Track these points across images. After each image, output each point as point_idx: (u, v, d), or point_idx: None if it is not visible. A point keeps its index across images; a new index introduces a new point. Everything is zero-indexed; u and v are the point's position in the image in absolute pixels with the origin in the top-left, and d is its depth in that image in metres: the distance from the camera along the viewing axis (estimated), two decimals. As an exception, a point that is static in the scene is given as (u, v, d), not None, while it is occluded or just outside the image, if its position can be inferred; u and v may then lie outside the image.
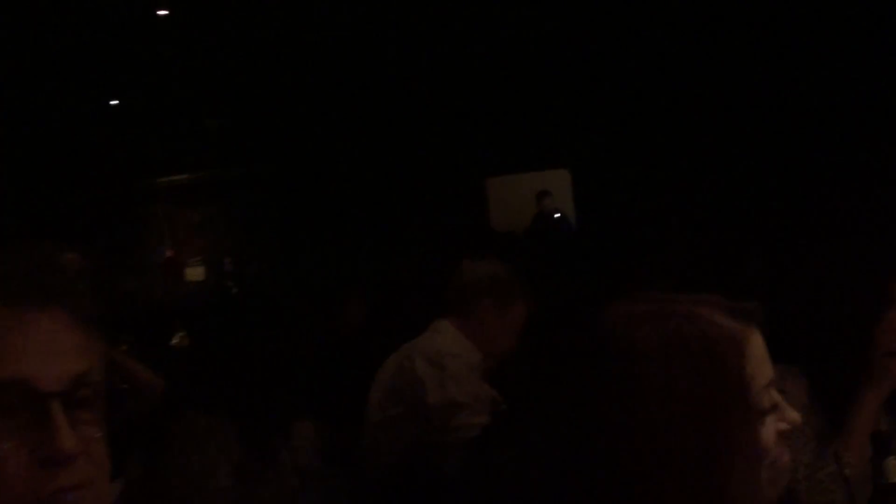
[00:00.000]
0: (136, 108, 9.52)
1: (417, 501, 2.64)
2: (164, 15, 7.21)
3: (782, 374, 1.19)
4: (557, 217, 9.37)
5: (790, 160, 7.24)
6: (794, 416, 1.10)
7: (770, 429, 1.07)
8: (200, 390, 2.73)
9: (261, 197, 10.23)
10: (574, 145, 8.85)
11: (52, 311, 1.00)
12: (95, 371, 1.02)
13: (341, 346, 4.58)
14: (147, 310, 8.60)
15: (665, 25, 7.51)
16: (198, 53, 8.09)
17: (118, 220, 10.43)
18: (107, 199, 9.98)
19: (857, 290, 2.08)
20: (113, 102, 9.48)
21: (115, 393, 3.43)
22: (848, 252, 2.23)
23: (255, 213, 10.35)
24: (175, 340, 6.70)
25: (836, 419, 2.03)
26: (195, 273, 10.97)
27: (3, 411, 0.95)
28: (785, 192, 7.10)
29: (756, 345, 1.08)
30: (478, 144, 8.90)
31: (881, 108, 6.71)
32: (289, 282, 8.79)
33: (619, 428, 1.05)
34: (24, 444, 0.95)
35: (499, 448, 2.42)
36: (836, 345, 2.05)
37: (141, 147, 10.11)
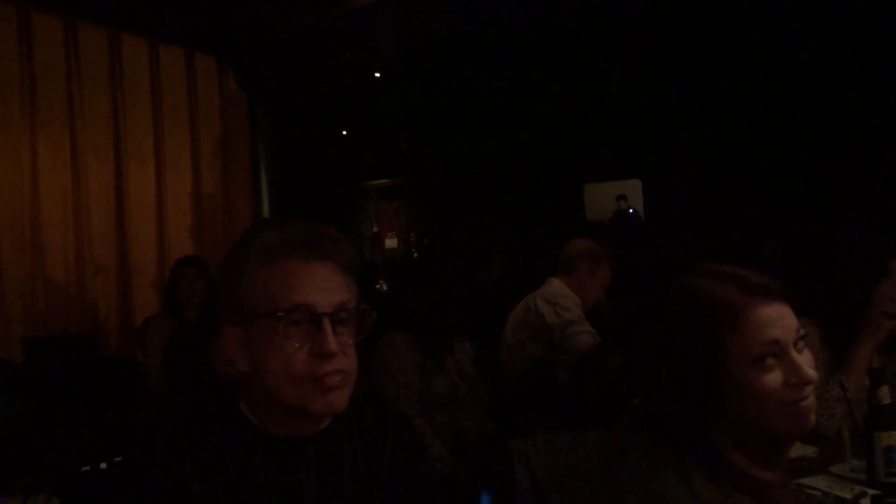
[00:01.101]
0: (358, 136, 9.79)
1: (538, 399, 2.63)
2: (378, 77, 7.36)
3: (802, 324, 1.11)
4: (631, 213, 9.09)
5: (805, 165, 6.79)
6: (807, 374, 0.97)
7: (775, 377, 0.96)
8: (397, 318, 2.75)
9: (433, 193, 10.34)
10: (644, 162, 8.58)
11: (326, 263, 1.04)
12: (351, 302, 1.05)
13: (487, 292, 4.60)
14: (361, 266, 8.88)
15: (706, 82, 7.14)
16: (397, 101, 8.23)
17: (345, 208, 10.77)
18: (338, 195, 10.32)
19: (859, 265, 1.93)
20: (344, 133, 9.77)
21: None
22: (853, 237, 2.06)
23: (429, 203, 10.47)
24: (377, 286, 6.86)
25: (840, 357, 1.90)
26: (391, 243, 11.18)
27: (295, 323, 1.00)
28: (804, 191, 6.67)
29: (760, 311, 0.97)
30: (578, 161, 8.74)
31: (876, 115, 6.21)
32: (452, 250, 8.89)
33: (653, 354, 1.03)
34: (305, 344, 1.00)
35: (596, 365, 2.39)
36: (843, 304, 1.91)
37: (360, 161, 10.38)
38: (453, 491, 2.26)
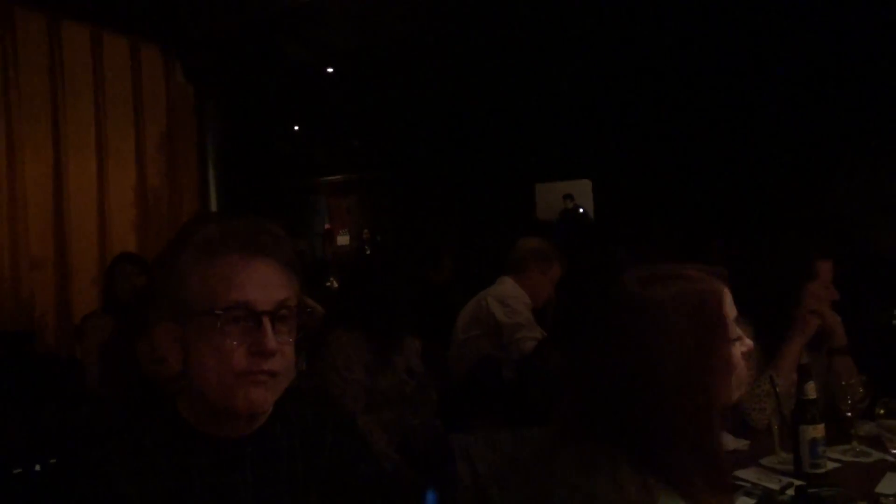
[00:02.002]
0: (310, 132, 9.67)
1: (484, 394, 2.64)
2: (331, 72, 7.29)
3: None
4: (581, 212, 9.22)
5: (746, 176, 7.07)
6: (750, 342, 1.09)
7: (737, 350, 1.06)
8: (345, 315, 2.72)
9: (386, 190, 10.31)
10: (594, 163, 8.75)
11: (267, 259, 1.02)
12: (291, 299, 1.03)
13: (437, 289, 4.59)
14: (312, 263, 8.79)
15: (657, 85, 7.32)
16: (350, 97, 8.17)
17: (296, 204, 10.62)
18: (290, 191, 10.17)
19: (790, 268, 2.01)
20: (296, 128, 9.64)
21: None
22: (784, 240, 2.14)
23: (382, 200, 10.43)
24: (328, 283, 6.76)
25: (770, 354, 1.97)
26: (343, 239, 11.09)
27: (234, 321, 0.97)
28: (743, 197, 6.94)
29: (727, 293, 1.06)
30: (530, 161, 8.85)
31: (812, 123, 6.52)
32: (404, 246, 8.86)
33: (639, 348, 1.01)
34: (244, 341, 0.98)
35: (539, 362, 2.41)
36: (774, 303, 1.98)
37: (312, 158, 10.26)
38: (398, 489, 2.25)
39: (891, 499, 1.46)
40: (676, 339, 0.99)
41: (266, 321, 0.98)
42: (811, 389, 1.59)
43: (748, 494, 1.55)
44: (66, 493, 1.00)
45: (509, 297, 3.09)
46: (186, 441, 1.01)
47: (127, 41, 5.13)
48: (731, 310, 1.06)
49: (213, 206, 5.71)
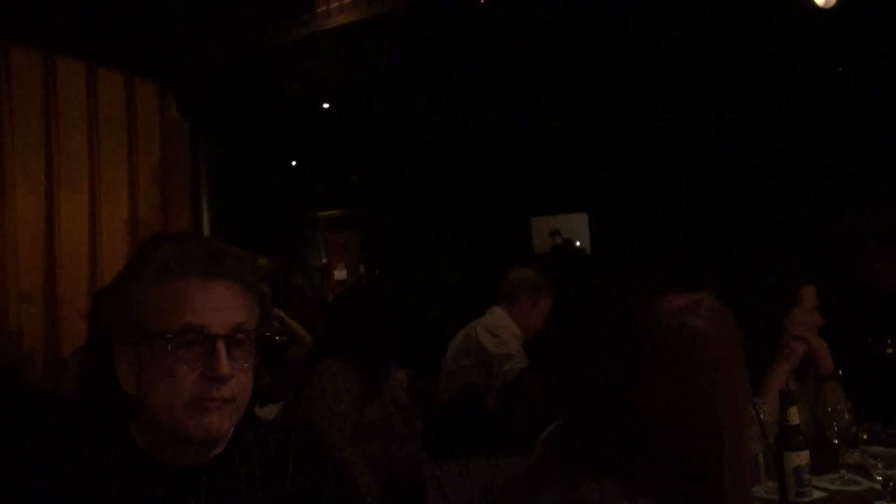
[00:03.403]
0: (307, 168, 9.73)
1: (467, 424, 2.60)
2: (326, 108, 7.37)
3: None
4: (577, 245, 9.24)
5: (736, 211, 7.11)
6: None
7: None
8: (336, 345, 2.70)
9: (382, 226, 10.32)
10: (590, 198, 8.80)
11: (224, 282, 1.00)
12: (248, 324, 1.01)
13: (427, 322, 4.57)
14: (310, 296, 8.78)
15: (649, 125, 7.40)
16: (346, 132, 8.24)
17: (295, 239, 10.64)
18: (288, 226, 10.19)
19: (774, 294, 1.99)
20: (293, 163, 9.70)
21: (278, 343, 3.47)
22: (770, 269, 2.13)
23: (378, 236, 10.44)
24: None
25: (755, 380, 1.94)
26: (340, 274, 11.06)
27: (186, 344, 0.95)
28: (732, 230, 6.98)
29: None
30: (526, 195, 8.90)
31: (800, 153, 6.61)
32: (398, 281, 8.84)
33: (656, 376, 0.95)
34: (197, 366, 0.95)
35: (521, 391, 2.38)
36: (760, 329, 1.96)
37: (309, 193, 10.30)
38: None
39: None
40: (707, 367, 0.96)
41: (220, 345, 0.95)
42: (793, 415, 1.56)
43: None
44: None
45: (499, 328, 3.08)
46: (139, 469, 0.98)
47: (122, 75, 5.19)
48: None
49: (206, 240, 5.70)
